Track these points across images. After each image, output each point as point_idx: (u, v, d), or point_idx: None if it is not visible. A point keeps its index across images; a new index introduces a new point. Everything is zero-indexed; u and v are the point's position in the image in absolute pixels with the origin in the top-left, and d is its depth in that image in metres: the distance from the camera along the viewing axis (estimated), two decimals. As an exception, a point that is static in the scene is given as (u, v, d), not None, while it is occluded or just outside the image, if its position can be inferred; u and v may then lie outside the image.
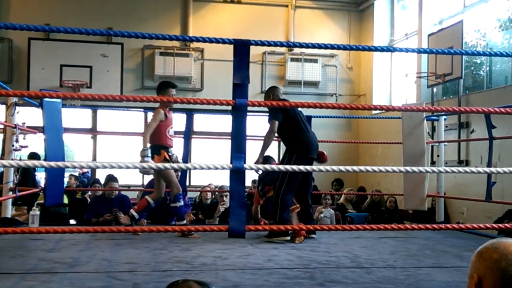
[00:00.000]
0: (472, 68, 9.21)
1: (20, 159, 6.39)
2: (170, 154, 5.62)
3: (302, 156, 5.54)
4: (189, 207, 7.08)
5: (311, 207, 5.87)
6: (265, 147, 5.47)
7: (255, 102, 3.32)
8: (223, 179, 8.17)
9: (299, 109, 5.71)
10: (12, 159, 5.85)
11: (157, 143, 5.52)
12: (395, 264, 4.38)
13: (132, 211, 5.77)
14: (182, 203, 5.65)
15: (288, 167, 3.39)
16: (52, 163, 3.24)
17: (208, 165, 3.22)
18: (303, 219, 5.66)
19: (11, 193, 5.96)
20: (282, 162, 5.57)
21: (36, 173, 8.58)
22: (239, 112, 3.20)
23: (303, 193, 5.74)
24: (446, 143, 7.37)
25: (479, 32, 8.94)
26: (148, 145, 5.36)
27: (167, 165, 3.58)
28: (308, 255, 4.69)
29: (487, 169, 4.03)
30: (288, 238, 5.44)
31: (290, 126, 5.56)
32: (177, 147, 6.03)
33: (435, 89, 9.25)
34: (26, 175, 7.96)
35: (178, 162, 5.72)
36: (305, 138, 5.60)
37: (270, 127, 5.47)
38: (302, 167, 3.34)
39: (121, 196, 7.15)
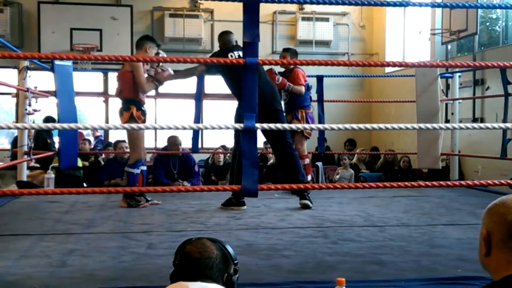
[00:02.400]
0: (487, 23, 9.02)
1: (34, 123, 6.41)
2: (143, 110, 5.07)
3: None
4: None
5: (293, 166, 5.07)
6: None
7: (265, 61, 3.28)
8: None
9: None
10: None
11: (128, 97, 5.01)
12: (409, 222, 4.38)
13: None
14: (139, 171, 5.13)
15: (293, 126, 3.36)
16: (65, 125, 3.24)
17: (220, 125, 3.21)
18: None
19: (26, 156, 6.01)
20: (235, 121, 4.94)
21: (53, 138, 8.64)
22: (249, 71, 3.15)
23: (276, 152, 5.27)
24: (460, 101, 7.27)
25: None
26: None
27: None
28: (321, 215, 4.70)
29: (502, 125, 3.97)
30: (244, 207, 5.03)
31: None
32: (188, 109, 5.94)
33: (449, 46, 9.10)
34: (42, 139, 8.04)
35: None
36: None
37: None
38: (321, 126, 3.31)
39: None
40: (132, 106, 4.97)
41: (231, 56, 4.96)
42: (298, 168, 5.06)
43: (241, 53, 4.96)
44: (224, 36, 5.18)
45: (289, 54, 5.91)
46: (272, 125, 3.25)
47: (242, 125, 3.16)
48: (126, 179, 5.17)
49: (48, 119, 8.47)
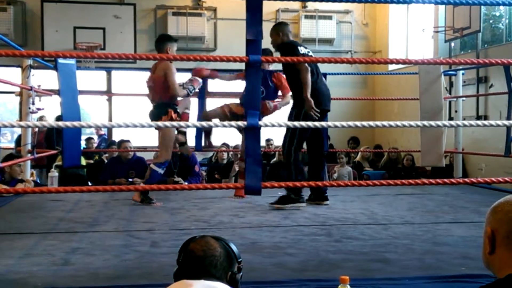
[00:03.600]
0: (491, 21, 8.99)
1: (37, 121, 6.43)
2: (178, 113, 5.11)
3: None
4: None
5: (323, 169, 5.26)
6: (308, 86, 4.72)
7: (269, 59, 3.28)
8: (238, 139, 8.18)
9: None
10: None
11: (165, 101, 5.05)
12: (413, 220, 4.37)
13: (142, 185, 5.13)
14: (162, 171, 5.14)
15: (303, 123, 3.37)
16: (68, 123, 3.25)
17: (223, 123, 3.20)
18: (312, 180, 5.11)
19: (29, 155, 6.01)
20: (289, 119, 4.90)
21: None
22: (253, 68, 3.15)
23: (314, 152, 5.24)
24: (464, 98, 7.25)
25: (498, -16, 8.70)
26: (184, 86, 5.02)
27: (175, 123, 3.56)
28: (324, 213, 4.70)
29: (506, 122, 3.97)
30: (304, 205, 4.98)
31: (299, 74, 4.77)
32: (192, 108, 5.90)
33: (452, 44, 9.06)
34: (51, 139, 8.06)
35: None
36: (314, 88, 4.84)
37: (301, 66, 4.64)
38: (318, 124, 3.30)
39: (137, 158, 7.25)
40: (170, 110, 5.00)
41: (301, 50, 4.84)
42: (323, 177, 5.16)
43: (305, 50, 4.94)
44: (284, 27, 5.04)
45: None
46: (275, 123, 3.24)
47: (245, 123, 3.15)
48: (148, 175, 5.11)
49: (60, 118, 8.48)
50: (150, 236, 3.76)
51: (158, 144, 5.32)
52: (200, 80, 5.26)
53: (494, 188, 5.92)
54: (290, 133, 4.94)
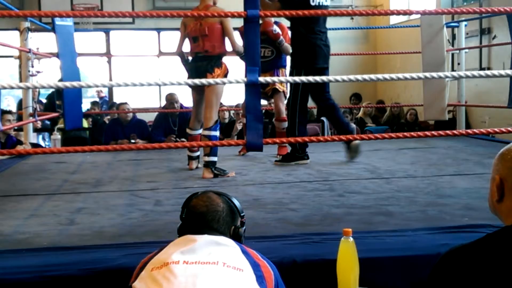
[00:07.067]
0: (494, -29, 8.82)
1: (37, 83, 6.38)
2: None
3: (311, 70, 4.42)
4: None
5: (337, 111, 4.94)
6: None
7: (267, 13, 3.22)
8: (238, 98, 8.19)
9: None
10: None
11: (220, 52, 4.51)
12: (416, 173, 4.38)
13: (209, 158, 4.51)
14: (217, 132, 4.67)
15: (289, 79, 3.33)
16: (68, 83, 3.22)
17: (223, 80, 3.18)
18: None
19: (31, 118, 6.00)
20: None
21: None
22: (251, 24, 3.10)
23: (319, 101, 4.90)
24: (467, 50, 7.15)
25: None
26: None
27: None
28: (327, 169, 4.70)
29: (509, 71, 3.92)
30: (308, 161, 4.86)
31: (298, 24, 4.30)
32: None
33: (455, -4, 8.93)
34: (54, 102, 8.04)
35: None
36: (314, 42, 4.43)
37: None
38: (318, 78, 3.27)
39: (137, 120, 7.27)
40: (223, 62, 4.56)
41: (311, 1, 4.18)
42: (343, 118, 5.09)
43: None
44: None
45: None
46: (275, 79, 3.21)
47: (245, 79, 3.12)
48: (208, 144, 4.48)
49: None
50: (154, 195, 3.78)
51: (205, 103, 4.60)
52: None
53: (497, 140, 5.90)
54: (293, 90, 4.65)
